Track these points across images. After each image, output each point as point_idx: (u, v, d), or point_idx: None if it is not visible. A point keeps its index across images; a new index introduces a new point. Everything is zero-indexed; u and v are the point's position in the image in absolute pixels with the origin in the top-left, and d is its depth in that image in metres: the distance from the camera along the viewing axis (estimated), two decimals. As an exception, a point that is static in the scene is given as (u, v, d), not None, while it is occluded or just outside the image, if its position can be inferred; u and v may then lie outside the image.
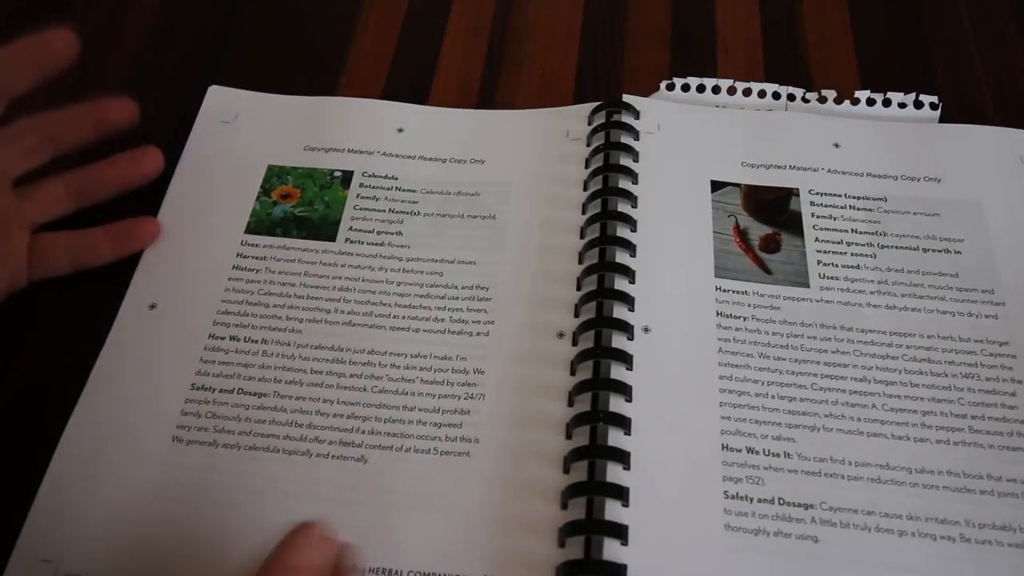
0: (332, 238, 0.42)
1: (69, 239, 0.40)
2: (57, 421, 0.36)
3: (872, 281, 0.40)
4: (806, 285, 0.40)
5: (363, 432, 0.36)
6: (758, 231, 0.42)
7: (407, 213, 0.43)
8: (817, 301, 0.39)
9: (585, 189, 0.43)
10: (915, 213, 0.42)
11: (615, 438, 0.35)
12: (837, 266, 0.41)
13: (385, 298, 0.40)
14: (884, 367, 0.38)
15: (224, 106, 0.47)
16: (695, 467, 0.35)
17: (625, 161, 0.43)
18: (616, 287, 0.39)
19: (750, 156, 0.44)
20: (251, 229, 0.42)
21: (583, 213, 0.42)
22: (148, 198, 0.43)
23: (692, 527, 0.33)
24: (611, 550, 0.33)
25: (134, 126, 0.42)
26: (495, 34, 0.51)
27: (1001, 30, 0.51)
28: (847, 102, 0.46)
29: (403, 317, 0.39)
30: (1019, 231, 0.41)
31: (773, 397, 0.37)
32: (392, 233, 0.42)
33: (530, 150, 0.45)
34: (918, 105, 0.46)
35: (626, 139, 0.44)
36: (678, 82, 0.47)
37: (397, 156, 0.45)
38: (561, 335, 0.38)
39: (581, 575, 0.32)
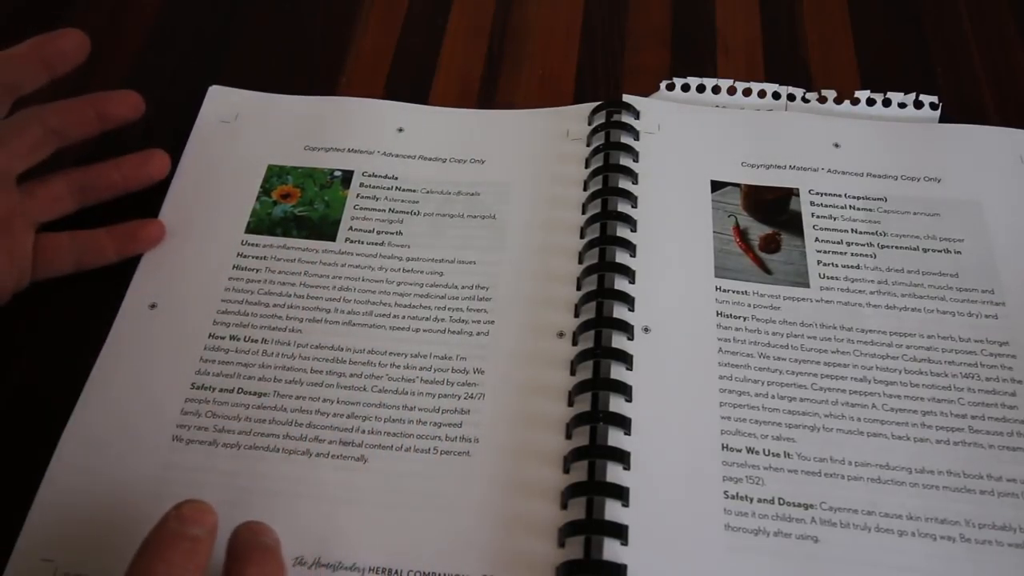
0: (332, 238, 0.42)
1: (73, 239, 0.40)
2: (57, 421, 0.36)
3: (872, 281, 0.40)
4: (806, 285, 0.40)
5: (363, 432, 0.36)
6: (758, 231, 0.42)
7: (407, 213, 0.43)
8: (817, 301, 0.39)
9: (585, 189, 0.43)
10: (915, 213, 0.42)
11: (615, 438, 0.35)
12: (837, 266, 0.41)
13: (385, 298, 0.40)
14: (884, 367, 0.37)
15: (224, 106, 0.46)
16: (695, 467, 0.35)
17: (625, 161, 0.43)
18: (616, 287, 0.39)
19: (750, 156, 0.44)
20: (251, 229, 0.42)
21: (583, 213, 0.42)
22: (148, 198, 0.43)
23: (692, 527, 0.33)
24: (611, 550, 0.33)
25: (139, 118, 0.42)
26: (495, 34, 0.51)
27: (1001, 30, 0.51)
28: (847, 102, 0.46)
29: (403, 317, 0.39)
30: (1019, 231, 0.41)
31: (773, 397, 0.37)
32: (392, 233, 0.42)
33: (530, 150, 0.45)
34: (918, 105, 0.46)
35: (626, 139, 0.44)
36: (678, 82, 0.47)
37: (397, 156, 0.45)
38: (561, 335, 0.38)
39: (581, 575, 0.32)
